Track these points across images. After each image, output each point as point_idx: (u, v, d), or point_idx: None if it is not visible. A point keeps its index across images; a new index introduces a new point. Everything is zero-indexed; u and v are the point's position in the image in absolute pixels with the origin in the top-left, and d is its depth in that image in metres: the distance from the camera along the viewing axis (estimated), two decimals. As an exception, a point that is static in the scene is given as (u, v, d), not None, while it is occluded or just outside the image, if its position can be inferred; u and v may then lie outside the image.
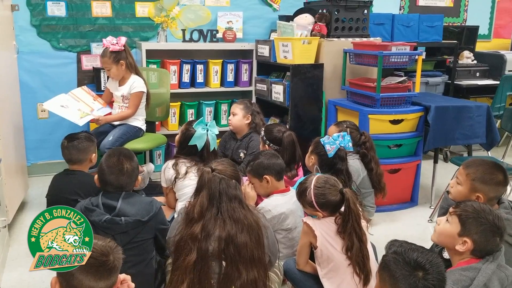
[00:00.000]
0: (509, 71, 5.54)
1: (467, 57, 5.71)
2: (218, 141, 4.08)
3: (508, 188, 3.67)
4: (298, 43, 4.10)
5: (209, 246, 2.09)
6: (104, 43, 3.76)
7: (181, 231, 2.16)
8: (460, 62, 5.64)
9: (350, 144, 3.24)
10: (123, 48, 3.76)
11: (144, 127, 3.92)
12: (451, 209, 2.09)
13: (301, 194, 2.50)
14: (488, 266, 1.94)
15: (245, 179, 3.30)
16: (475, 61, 5.74)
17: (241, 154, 3.87)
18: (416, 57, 3.95)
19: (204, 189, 2.17)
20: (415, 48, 4.08)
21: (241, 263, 2.09)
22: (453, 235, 2.03)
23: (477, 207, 2.02)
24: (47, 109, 3.75)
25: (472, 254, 2.01)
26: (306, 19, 4.43)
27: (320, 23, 4.34)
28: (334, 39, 4.32)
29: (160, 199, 3.24)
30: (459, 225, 2.01)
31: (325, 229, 2.43)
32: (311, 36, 4.29)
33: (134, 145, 3.76)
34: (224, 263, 2.11)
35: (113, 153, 2.43)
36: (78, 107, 3.73)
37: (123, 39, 3.78)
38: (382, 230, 3.59)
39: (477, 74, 5.59)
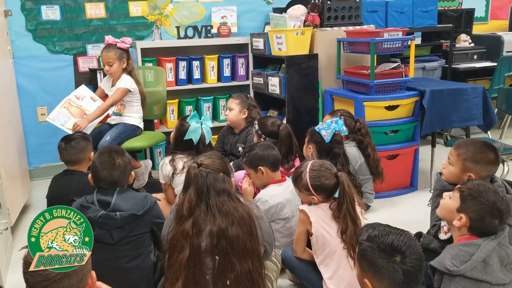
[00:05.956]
0: (507, 52, 5.50)
1: (464, 40, 5.68)
2: (215, 137, 4.11)
3: (506, 168, 3.73)
4: (291, 35, 4.11)
5: (202, 243, 2.08)
6: (107, 40, 3.76)
7: (173, 229, 2.16)
8: (457, 45, 5.62)
9: (344, 128, 3.31)
10: (129, 46, 3.81)
11: (141, 125, 3.93)
12: (458, 186, 2.11)
13: (297, 178, 2.54)
14: (488, 243, 1.94)
15: (243, 172, 3.33)
16: (472, 44, 5.71)
17: (240, 148, 3.89)
18: (409, 42, 3.95)
19: (191, 185, 2.14)
20: (408, 34, 4.06)
21: (233, 255, 2.08)
22: (452, 210, 2.05)
23: (482, 187, 2.01)
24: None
25: (470, 232, 2.02)
26: (299, 10, 4.44)
27: (312, 13, 4.35)
28: (328, 28, 4.32)
29: (160, 195, 3.26)
30: (459, 201, 2.03)
31: (320, 215, 2.45)
32: (304, 26, 4.30)
33: (132, 143, 3.78)
34: (217, 257, 2.10)
35: (104, 150, 2.46)
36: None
37: (129, 39, 3.83)
38: (382, 216, 3.60)
39: (475, 57, 5.55)
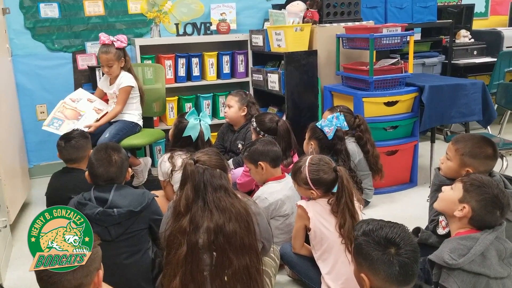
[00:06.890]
0: (507, 47, 5.50)
1: (464, 36, 5.67)
2: (215, 134, 4.11)
3: (505, 163, 3.72)
4: (290, 31, 4.10)
5: (199, 239, 2.08)
6: (103, 39, 3.72)
7: (171, 225, 2.16)
8: (457, 41, 5.61)
9: (345, 123, 3.31)
10: (126, 45, 3.80)
11: (140, 122, 3.92)
12: (459, 178, 2.12)
13: (296, 172, 2.55)
14: (486, 237, 1.95)
15: (242, 169, 3.33)
16: (472, 40, 5.70)
17: (239, 146, 3.89)
18: (408, 38, 3.94)
19: (188, 182, 2.14)
20: (408, 29, 4.05)
21: (231, 251, 2.08)
22: (454, 200, 2.05)
23: (485, 179, 2.03)
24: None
25: (470, 224, 2.02)
26: (298, 6, 4.42)
27: (311, 10, 4.34)
28: (327, 24, 4.31)
29: (159, 193, 3.26)
30: (462, 191, 2.04)
31: (318, 210, 2.46)
32: (303, 23, 4.28)
33: (131, 141, 3.77)
34: (215, 253, 2.10)
35: (101, 147, 2.47)
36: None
37: (125, 37, 3.82)
38: (381, 212, 3.60)
39: (475, 53, 5.54)
